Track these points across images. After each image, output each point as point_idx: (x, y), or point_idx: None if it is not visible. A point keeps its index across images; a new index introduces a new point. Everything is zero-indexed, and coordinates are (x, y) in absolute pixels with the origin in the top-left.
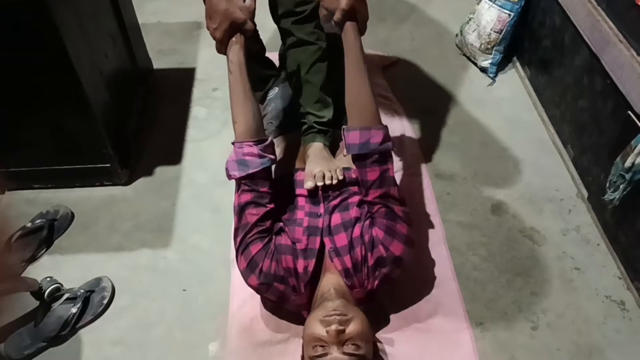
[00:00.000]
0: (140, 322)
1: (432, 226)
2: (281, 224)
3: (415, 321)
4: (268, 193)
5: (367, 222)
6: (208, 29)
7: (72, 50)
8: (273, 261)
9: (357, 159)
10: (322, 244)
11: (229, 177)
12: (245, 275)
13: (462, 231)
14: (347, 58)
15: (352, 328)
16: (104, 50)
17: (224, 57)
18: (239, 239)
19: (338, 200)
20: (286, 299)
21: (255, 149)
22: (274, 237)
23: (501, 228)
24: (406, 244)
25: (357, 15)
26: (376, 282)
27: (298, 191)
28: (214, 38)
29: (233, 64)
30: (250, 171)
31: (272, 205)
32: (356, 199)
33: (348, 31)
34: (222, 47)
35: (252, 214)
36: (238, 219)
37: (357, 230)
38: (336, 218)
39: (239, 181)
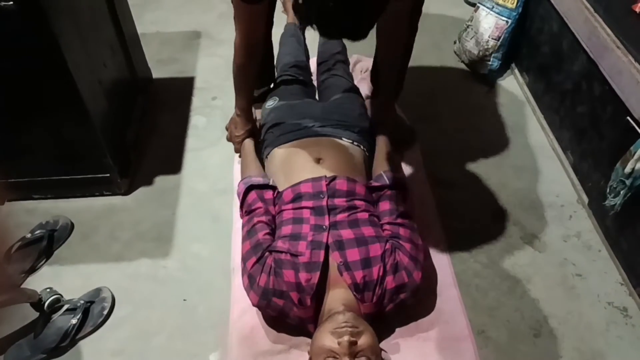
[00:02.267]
0: (141, 332)
1: (432, 233)
2: (280, 241)
3: (416, 329)
4: (262, 208)
5: (389, 245)
6: (230, 134)
7: (71, 59)
8: (271, 276)
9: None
10: (326, 258)
11: (238, 195)
12: (247, 292)
13: (462, 238)
14: (376, 151)
15: (363, 341)
16: (102, 59)
17: (223, 66)
18: (242, 260)
19: (346, 215)
20: (287, 313)
21: (259, 178)
22: (269, 252)
23: (502, 235)
24: (422, 274)
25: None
26: (390, 306)
27: (303, 203)
28: (234, 142)
29: (246, 152)
30: (253, 180)
31: (262, 218)
32: (365, 215)
33: (380, 138)
34: (239, 147)
35: (248, 230)
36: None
37: (376, 249)
38: (347, 233)
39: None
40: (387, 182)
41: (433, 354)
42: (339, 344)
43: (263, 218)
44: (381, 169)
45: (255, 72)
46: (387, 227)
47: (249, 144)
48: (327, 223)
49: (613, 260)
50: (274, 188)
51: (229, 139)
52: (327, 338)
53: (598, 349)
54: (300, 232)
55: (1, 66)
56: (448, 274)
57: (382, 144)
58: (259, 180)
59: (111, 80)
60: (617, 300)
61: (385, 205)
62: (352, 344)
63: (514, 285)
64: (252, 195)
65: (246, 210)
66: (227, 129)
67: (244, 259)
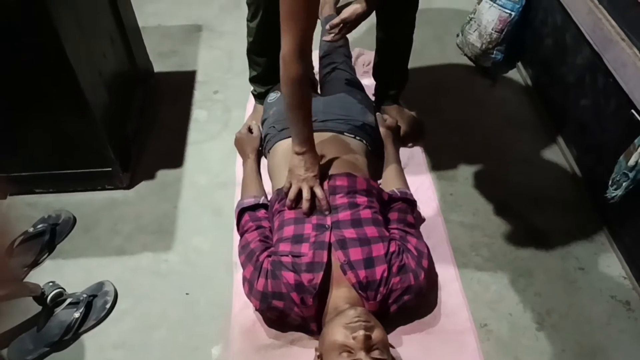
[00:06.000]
0: (143, 326)
1: (434, 227)
2: (282, 244)
3: (419, 322)
4: (253, 226)
5: (396, 246)
6: (239, 151)
7: (71, 50)
8: (269, 279)
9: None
10: (329, 257)
11: (236, 213)
12: (249, 298)
13: (464, 231)
14: (386, 165)
15: (376, 334)
16: (102, 50)
17: (225, 60)
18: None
19: (348, 213)
20: (288, 314)
21: (250, 199)
22: (264, 256)
23: (504, 228)
24: (427, 278)
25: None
26: (394, 307)
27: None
28: (242, 157)
29: (248, 167)
30: (244, 203)
31: (254, 233)
32: (368, 214)
33: (387, 143)
34: (246, 160)
35: (242, 245)
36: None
37: (378, 249)
38: (350, 233)
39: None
40: (399, 198)
41: (435, 347)
42: (353, 338)
43: (254, 233)
44: (393, 186)
45: (309, 88)
46: (394, 232)
47: (253, 166)
48: (329, 222)
49: (616, 253)
50: (265, 206)
51: (241, 153)
52: (340, 333)
53: (600, 342)
54: (302, 234)
55: (1, 58)
56: (450, 267)
57: (391, 157)
58: (249, 201)
59: (111, 72)
60: (619, 294)
61: (394, 216)
62: (367, 337)
63: (516, 279)
64: (245, 217)
65: (241, 232)
66: (236, 142)
67: (242, 269)
